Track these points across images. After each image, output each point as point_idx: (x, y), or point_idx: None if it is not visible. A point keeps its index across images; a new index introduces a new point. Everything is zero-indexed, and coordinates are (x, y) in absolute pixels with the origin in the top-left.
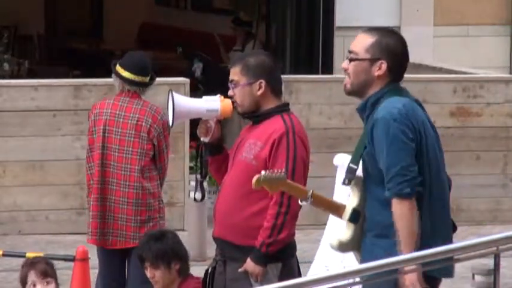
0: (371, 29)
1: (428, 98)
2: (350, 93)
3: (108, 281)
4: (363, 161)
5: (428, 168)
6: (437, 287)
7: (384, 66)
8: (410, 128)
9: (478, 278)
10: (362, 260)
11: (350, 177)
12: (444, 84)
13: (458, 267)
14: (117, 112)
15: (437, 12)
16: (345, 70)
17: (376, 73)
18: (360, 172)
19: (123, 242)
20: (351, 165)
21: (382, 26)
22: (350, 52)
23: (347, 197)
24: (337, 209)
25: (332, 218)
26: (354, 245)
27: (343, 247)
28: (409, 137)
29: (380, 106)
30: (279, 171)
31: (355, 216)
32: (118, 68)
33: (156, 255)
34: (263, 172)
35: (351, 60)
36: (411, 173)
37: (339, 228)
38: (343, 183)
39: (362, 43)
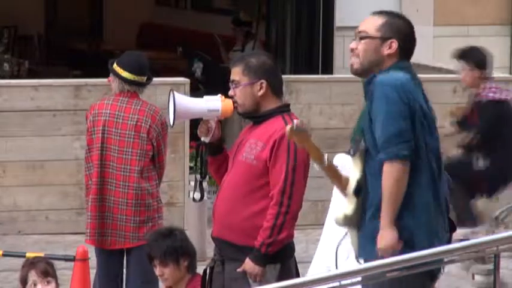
0: (380, 12)
1: (428, 98)
2: (358, 73)
3: (106, 281)
4: (363, 130)
5: (421, 150)
6: (435, 281)
7: (395, 45)
8: (408, 96)
9: (478, 278)
10: (360, 237)
11: (356, 147)
12: (444, 84)
13: (458, 267)
14: (116, 113)
15: (437, 12)
16: (353, 50)
17: (386, 52)
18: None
19: (122, 242)
20: (356, 136)
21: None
22: (359, 32)
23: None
24: (341, 180)
25: (329, 218)
26: (357, 218)
27: (348, 221)
28: (406, 103)
29: (384, 73)
30: (307, 126)
31: (359, 190)
32: (116, 68)
33: (165, 252)
34: (295, 121)
35: (361, 38)
36: (409, 137)
37: (342, 203)
38: (348, 153)
39: (372, 23)
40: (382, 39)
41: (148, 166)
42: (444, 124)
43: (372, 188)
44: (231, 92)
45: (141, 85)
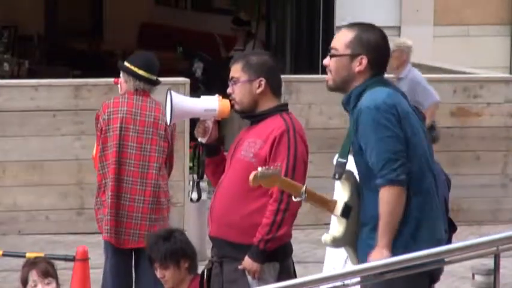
0: (351, 25)
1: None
2: (332, 89)
3: (118, 280)
4: (352, 154)
5: (416, 160)
6: (435, 282)
7: (365, 61)
8: (396, 117)
9: (478, 278)
10: (358, 254)
11: (340, 171)
12: (444, 84)
13: (458, 267)
14: (133, 110)
15: (437, 12)
16: (327, 67)
17: (357, 68)
18: (349, 166)
19: (136, 241)
20: (340, 159)
21: (362, 21)
22: (331, 48)
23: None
24: (329, 205)
25: (334, 218)
26: (346, 240)
27: (336, 242)
28: (396, 124)
29: (364, 96)
30: (275, 166)
31: (347, 211)
32: (131, 66)
33: (165, 255)
34: (259, 168)
35: (331, 56)
36: (403, 159)
37: (331, 224)
38: (334, 177)
39: (342, 39)
40: (352, 56)
41: (164, 164)
42: (444, 123)
43: (373, 205)
44: (229, 89)
45: (154, 84)
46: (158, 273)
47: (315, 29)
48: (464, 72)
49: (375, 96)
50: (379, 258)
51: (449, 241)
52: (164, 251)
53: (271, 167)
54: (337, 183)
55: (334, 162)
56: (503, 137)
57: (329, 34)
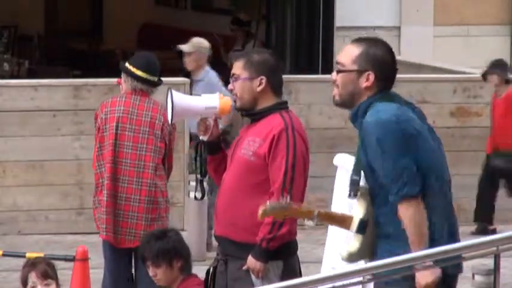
0: (358, 40)
1: (428, 98)
2: (339, 104)
3: (117, 279)
4: (363, 171)
5: (429, 171)
6: (454, 285)
7: (372, 77)
8: (403, 132)
9: (478, 278)
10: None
11: (354, 189)
12: (444, 84)
13: None
14: (130, 109)
15: (437, 12)
16: (334, 81)
17: (364, 84)
18: (363, 182)
19: (132, 240)
20: (354, 177)
21: (368, 36)
22: (337, 63)
23: (347, 199)
24: (344, 222)
25: (349, 233)
26: (362, 254)
27: (352, 258)
28: (403, 138)
29: (369, 111)
30: (283, 199)
31: (362, 227)
32: (130, 67)
33: (157, 254)
34: (268, 203)
35: (338, 71)
36: (413, 171)
37: (347, 240)
38: (349, 196)
39: (349, 54)
40: (359, 72)
41: (161, 164)
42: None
43: (390, 218)
44: (230, 86)
45: (153, 85)
46: (150, 272)
47: (315, 29)
48: (464, 72)
49: (381, 111)
50: (429, 274)
51: None
52: (156, 249)
53: (281, 200)
54: (337, 186)
55: (334, 162)
56: None
57: (329, 34)
